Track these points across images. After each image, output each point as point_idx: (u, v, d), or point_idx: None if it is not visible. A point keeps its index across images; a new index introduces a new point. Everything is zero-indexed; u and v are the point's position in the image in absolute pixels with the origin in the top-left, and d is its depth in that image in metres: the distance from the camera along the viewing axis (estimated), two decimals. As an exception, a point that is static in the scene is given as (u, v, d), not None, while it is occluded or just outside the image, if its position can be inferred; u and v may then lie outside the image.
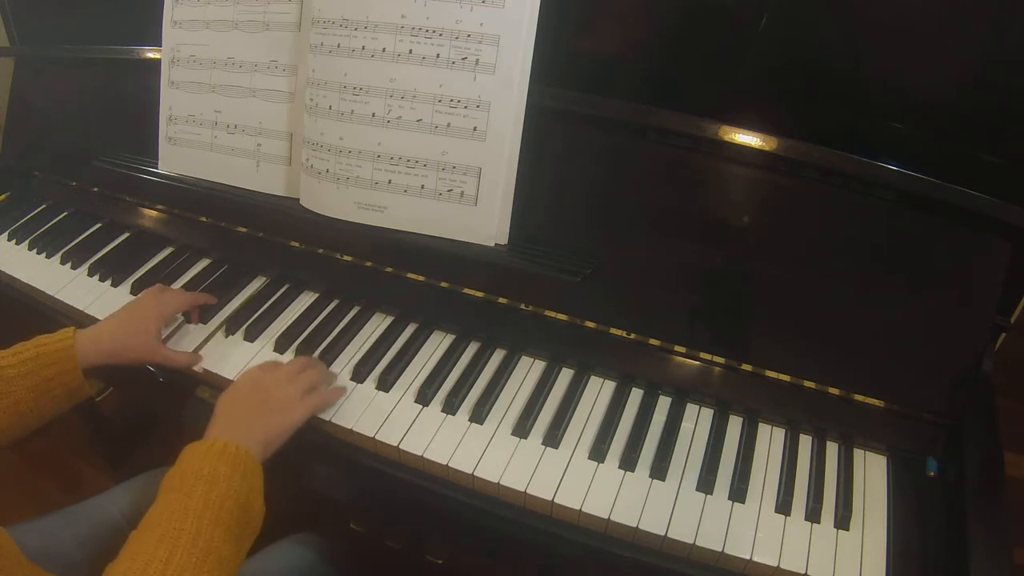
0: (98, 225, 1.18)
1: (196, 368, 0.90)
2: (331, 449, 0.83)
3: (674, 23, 0.87)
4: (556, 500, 0.74)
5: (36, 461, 1.64)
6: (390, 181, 0.91)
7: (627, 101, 0.84)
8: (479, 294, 0.91)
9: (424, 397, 0.84)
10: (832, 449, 0.81)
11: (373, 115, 0.89)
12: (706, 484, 0.76)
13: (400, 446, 0.79)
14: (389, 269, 0.96)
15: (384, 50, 0.87)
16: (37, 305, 1.06)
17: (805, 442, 0.82)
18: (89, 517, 0.87)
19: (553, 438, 0.80)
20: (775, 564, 0.70)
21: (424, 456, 0.78)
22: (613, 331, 0.87)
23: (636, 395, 0.86)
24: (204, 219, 1.08)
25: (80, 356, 0.82)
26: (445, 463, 0.78)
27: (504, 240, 0.90)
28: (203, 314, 0.97)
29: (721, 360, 0.84)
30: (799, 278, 0.81)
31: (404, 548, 0.96)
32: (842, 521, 0.73)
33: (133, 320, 0.89)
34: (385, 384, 0.86)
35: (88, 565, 0.81)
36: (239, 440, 0.71)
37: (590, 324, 0.88)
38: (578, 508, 0.73)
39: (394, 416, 0.83)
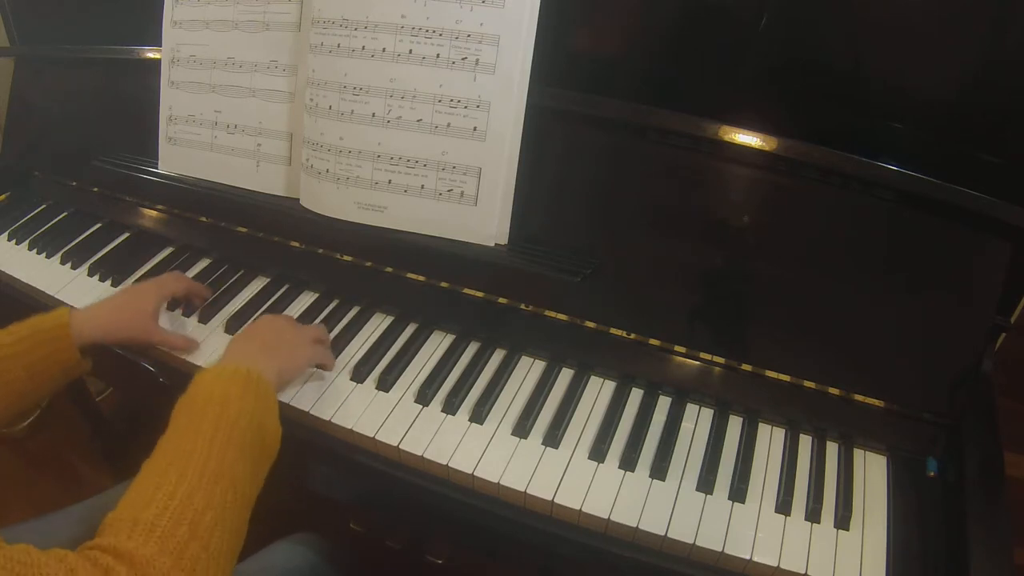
0: (98, 225, 1.18)
1: (192, 360, 0.90)
2: (331, 449, 0.83)
3: (674, 23, 0.87)
4: (556, 500, 0.74)
5: (36, 461, 1.64)
6: (390, 181, 0.91)
7: (627, 101, 0.84)
8: (479, 294, 0.91)
9: (424, 397, 0.84)
10: (832, 449, 0.81)
11: (373, 115, 0.89)
12: (706, 484, 0.76)
13: (400, 446, 0.79)
14: (389, 269, 0.96)
15: (384, 50, 0.87)
16: (37, 305, 1.06)
17: (805, 442, 0.82)
18: (89, 517, 0.87)
19: (553, 438, 0.80)
20: (775, 564, 0.70)
21: (424, 456, 0.78)
22: (613, 331, 0.87)
23: (636, 395, 0.86)
24: (204, 219, 1.08)
25: (75, 333, 0.82)
26: (445, 463, 0.78)
27: (504, 240, 0.90)
28: (203, 314, 0.97)
29: (721, 360, 0.84)
30: (799, 278, 0.81)
31: (404, 548, 0.96)
32: (842, 521, 0.73)
33: (131, 300, 0.90)
34: (385, 384, 0.86)
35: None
36: (251, 365, 0.71)
37: (590, 324, 0.88)
38: (578, 508, 0.73)
39: (394, 416, 0.82)
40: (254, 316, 0.96)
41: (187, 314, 0.97)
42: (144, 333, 0.88)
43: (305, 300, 1.00)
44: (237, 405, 0.65)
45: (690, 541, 0.71)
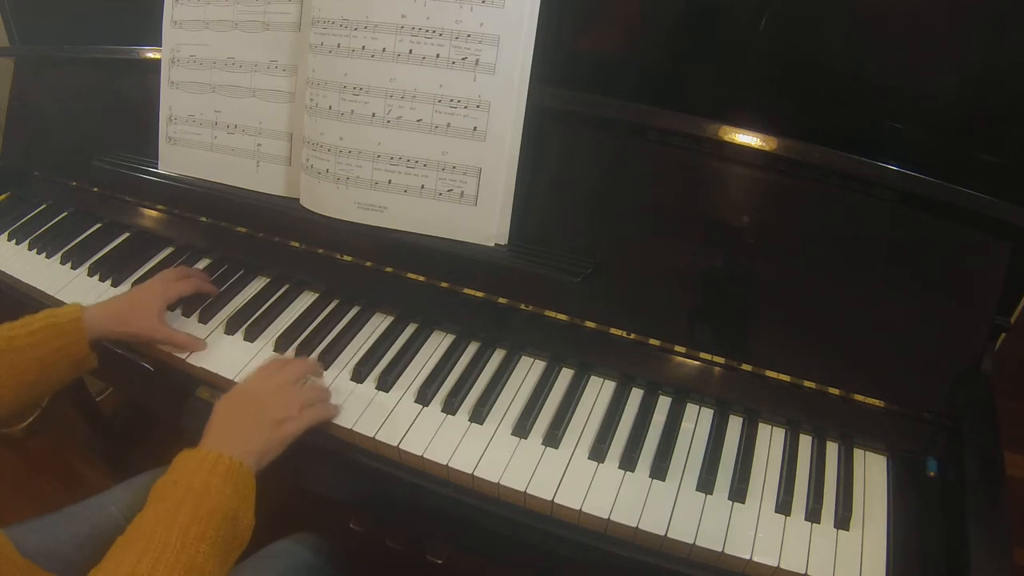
0: (98, 225, 1.18)
1: (193, 361, 0.90)
2: (331, 449, 0.83)
3: (674, 23, 0.87)
4: (556, 500, 0.74)
5: (36, 461, 1.64)
6: (390, 181, 0.91)
7: (627, 101, 0.84)
8: (479, 294, 0.91)
9: (424, 397, 0.84)
10: (832, 449, 0.81)
11: (373, 115, 0.89)
12: (706, 484, 0.76)
13: (400, 446, 0.79)
14: (389, 269, 0.96)
15: (384, 50, 0.87)
16: (37, 305, 1.06)
17: (805, 442, 0.82)
18: (89, 517, 0.87)
19: (553, 438, 0.80)
20: (775, 564, 0.70)
21: (424, 456, 0.78)
22: (613, 331, 0.87)
23: (636, 395, 0.86)
24: (204, 219, 1.08)
25: (87, 327, 0.85)
26: (445, 463, 0.78)
27: (504, 240, 0.90)
28: (203, 314, 0.97)
29: (721, 360, 0.84)
30: (799, 278, 0.81)
31: (404, 548, 0.96)
32: (842, 521, 0.73)
33: (138, 297, 0.93)
34: (385, 384, 0.86)
35: (87, 565, 0.80)
36: (233, 451, 0.70)
37: (590, 324, 0.88)
38: (578, 508, 0.73)
39: (394, 416, 0.83)
40: (254, 316, 0.96)
41: (187, 314, 0.97)
42: (149, 330, 0.90)
43: (305, 300, 1.00)
44: (215, 499, 0.66)
45: (690, 541, 0.71)
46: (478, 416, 0.82)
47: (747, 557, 0.70)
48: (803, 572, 0.69)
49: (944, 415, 0.78)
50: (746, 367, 0.83)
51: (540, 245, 0.89)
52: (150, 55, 1.09)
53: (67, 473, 1.64)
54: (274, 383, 0.80)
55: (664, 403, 0.85)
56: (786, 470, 0.78)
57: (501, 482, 0.76)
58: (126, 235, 1.15)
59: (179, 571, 0.60)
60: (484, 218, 0.89)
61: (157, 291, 0.93)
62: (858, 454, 0.81)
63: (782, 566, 0.69)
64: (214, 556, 0.63)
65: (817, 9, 0.80)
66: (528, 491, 0.75)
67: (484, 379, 0.87)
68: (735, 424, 0.84)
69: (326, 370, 0.89)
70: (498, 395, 0.85)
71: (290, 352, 0.92)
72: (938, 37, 0.78)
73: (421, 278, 0.94)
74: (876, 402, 0.80)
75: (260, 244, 1.03)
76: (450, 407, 0.83)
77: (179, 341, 0.91)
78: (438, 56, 0.85)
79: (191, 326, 0.96)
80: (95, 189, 1.18)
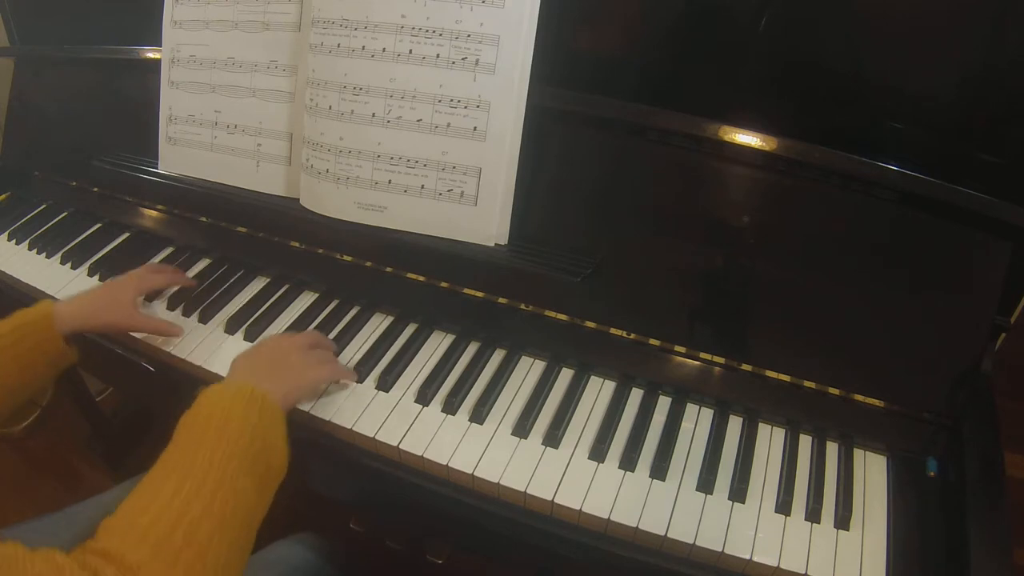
0: (98, 225, 1.18)
1: (194, 362, 0.90)
2: (331, 449, 0.83)
3: (674, 23, 0.87)
4: (556, 500, 0.74)
5: (36, 461, 1.64)
6: (390, 181, 0.91)
7: (627, 101, 0.84)
8: (479, 294, 0.91)
9: (424, 397, 0.84)
10: (832, 449, 0.81)
11: (373, 115, 0.89)
12: (706, 484, 0.76)
13: (400, 446, 0.79)
14: (389, 269, 0.96)
15: (384, 50, 0.87)
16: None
17: (805, 442, 0.82)
18: (89, 517, 0.87)
19: (553, 438, 0.80)
20: (775, 564, 0.70)
21: (424, 456, 0.78)
22: (613, 331, 0.87)
23: (636, 395, 0.86)
24: (204, 219, 1.08)
25: (59, 322, 0.84)
26: (445, 463, 0.78)
27: (504, 240, 0.90)
28: (203, 314, 0.97)
29: (721, 360, 0.84)
30: (799, 278, 0.81)
31: (404, 548, 0.96)
32: (842, 521, 0.73)
33: (110, 290, 0.93)
34: (385, 384, 0.86)
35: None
36: (256, 384, 0.70)
37: (590, 324, 0.88)
38: (578, 508, 0.73)
39: (394, 416, 0.82)
40: (254, 316, 0.96)
41: (187, 313, 0.97)
42: (124, 318, 0.90)
43: (305, 300, 1.00)
44: (240, 421, 0.65)
45: (690, 541, 0.71)
46: (478, 416, 0.82)
47: (747, 557, 0.70)
48: (803, 572, 0.69)
49: (944, 415, 0.78)
50: (746, 367, 0.83)
51: (540, 245, 0.89)
52: (150, 55, 1.09)
53: (67, 473, 1.64)
54: (292, 340, 0.81)
55: (664, 403, 0.85)
56: (786, 470, 0.78)
57: (501, 482, 0.76)
58: (126, 235, 1.15)
59: (208, 487, 0.58)
60: (484, 218, 0.89)
61: (130, 283, 0.93)
62: (858, 454, 0.81)
63: (782, 566, 0.69)
64: (245, 475, 0.62)
65: (817, 9, 0.80)
66: (528, 491, 0.75)
67: (484, 379, 0.87)
68: (735, 424, 0.84)
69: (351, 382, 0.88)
70: (498, 395, 0.85)
71: (290, 352, 0.92)
72: (938, 37, 0.78)
73: (421, 278, 0.94)
74: (876, 402, 0.80)
75: (260, 244, 1.03)
76: (450, 407, 0.83)
77: (155, 328, 0.91)
78: (438, 56, 0.85)
79: (191, 325, 0.96)
80: (95, 189, 1.18)
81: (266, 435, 0.66)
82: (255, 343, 0.82)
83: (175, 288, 1.01)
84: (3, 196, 1.27)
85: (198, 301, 0.99)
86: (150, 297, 1.00)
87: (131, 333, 0.93)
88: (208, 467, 0.60)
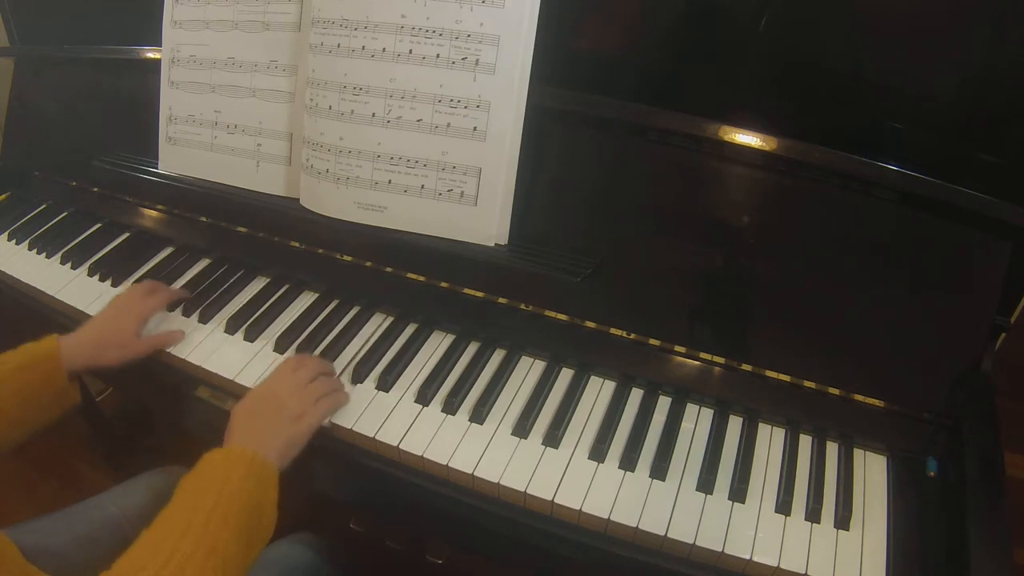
0: (98, 225, 1.18)
1: (194, 363, 0.90)
2: (331, 449, 0.83)
3: (674, 23, 0.87)
4: (556, 500, 0.74)
5: (36, 461, 1.64)
6: (390, 181, 0.91)
7: (627, 101, 0.84)
8: (479, 294, 0.91)
9: (424, 397, 0.84)
10: (832, 449, 0.81)
11: (373, 115, 0.89)
12: (706, 484, 0.76)
13: (400, 446, 0.79)
14: (389, 269, 0.96)
15: (384, 50, 0.87)
16: (37, 305, 1.06)
17: (805, 442, 0.82)
18: (89, 517, 0.87)
19: (553, 438, 0.80)
20: (775, 564, 0.70)
21: (424, 456, 0.78)
22: (613, 331, 0.87)
23: (636, 395, 0.86)
24: (204, 219, 1.08)
25: (65, 360, 0.84)
26: (445, 463, 0.78)
27: (504, 240, 0.90)
28: (203, 314, 0.97)
29: (721, 360, 0.84)
30: (799, 278, 0.81)
31: (404, 548, 0.96)
32: (842, 521, 0.73)
33: (113, 321, 0.91)
34: (385, 384, 0.86)
35: (88, 565, 0.81)
36: (257, 447, 0.72)
37: (590, 324, 0.88)
38: (578, 508, 0.73)
39: (394, 416, 0.83)
40: (254, 316, 0.96)
41: (187, 314, 0.97)
42: (130, 354, 0.89)
43: (305, 300, 1.00)
44: (238, 485, 0.67)
45: (690, 541, 0.71)
46: (478, 416, 0.82)
47: (747, 557, 0.70)
48: (803, 572, 0.69)
49: (944, 415, 0.78)
50: (746, 367, 0.83)
51: (540, 245, 0.89)
52: (150, 55, 1.09)
53: (67, 473, 1.64)
54: (288, 383, 0.81)
55: (664, 403, 0.85)
56: (786, 470, 0.78)
57: (501, 482, 0.76)
58: (126, 235, 1.15)
59: (201, 552, 0.61)
60: (484, 218, 0.89)
61: (133, 312, 0.92)
62: (858, 454, 0.81)
63: (782, 566, 0.69)
64: (236, 542, 0.64)
65: (817, 9, 0.80)
66: (528, 491, 0.75)
67: (484, 379, 0.87)
68: (735, 424, 0.84)
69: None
70: (498, 395, 0.85)
71: (290, 352, 0.92)
72: (938, 37, 0.78)
73: (421, 278, 0.94)
74: (876, 402, 0.80)
75: (260, 244, 1.03)
76: (450, 407, 0.83)
77: (158, 344, 0.91)
78: (438, 56, 0.85)
79: (191, 326, 0.96)
80: (95, 189, 1.18)
81: (261, 501, 0.69)
82: (253, 389, 0.81)
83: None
84: (3, 196, 1.27)
85: (198, 301, 0.99)
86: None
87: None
88: (203, 531, 0.62)
